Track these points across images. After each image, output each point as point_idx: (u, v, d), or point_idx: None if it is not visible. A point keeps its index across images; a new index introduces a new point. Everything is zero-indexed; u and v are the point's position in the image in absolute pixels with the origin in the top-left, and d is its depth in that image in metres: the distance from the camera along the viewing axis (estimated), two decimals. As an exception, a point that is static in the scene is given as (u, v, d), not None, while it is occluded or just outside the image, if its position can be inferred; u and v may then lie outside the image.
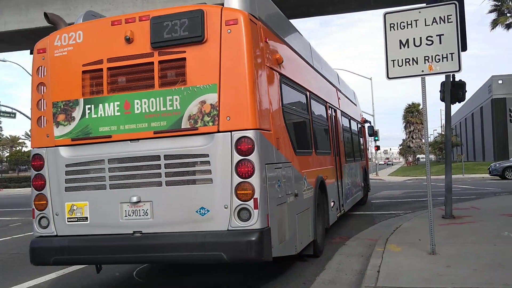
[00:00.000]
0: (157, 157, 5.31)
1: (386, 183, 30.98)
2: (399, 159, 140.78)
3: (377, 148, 42.10)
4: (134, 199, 5.32)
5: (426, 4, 7.08)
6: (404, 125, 77.99)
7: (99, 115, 5.53)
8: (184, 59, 5.28)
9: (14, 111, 42.47)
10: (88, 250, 5.52)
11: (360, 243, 8.26)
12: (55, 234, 5.65)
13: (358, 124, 15.53)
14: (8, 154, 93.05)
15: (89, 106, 5.57)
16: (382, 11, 6.86)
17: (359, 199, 14.00)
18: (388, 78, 6.67)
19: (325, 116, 9.63)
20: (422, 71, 6.49)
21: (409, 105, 76.30)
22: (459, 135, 71.60)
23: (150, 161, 5.34)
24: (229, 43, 5.17)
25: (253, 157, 5.05)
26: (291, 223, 6.05)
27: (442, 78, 9.93)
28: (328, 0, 17.76)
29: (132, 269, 7.27)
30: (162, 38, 5.29)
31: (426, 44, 6.49)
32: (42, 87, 5.84)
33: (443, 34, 6.44)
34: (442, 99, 10.01)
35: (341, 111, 11.79)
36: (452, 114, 11.01)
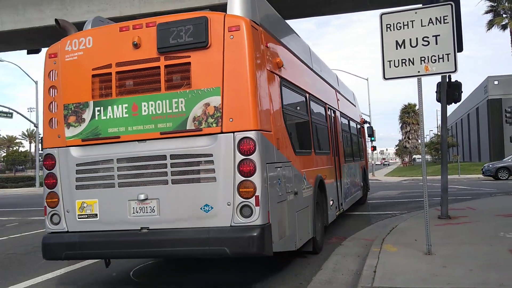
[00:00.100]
0: (164, 157, 5.57)
1: (383, 184, 31.04)
2: (396, 159, 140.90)
3: (374, 148, 42.16)
4: (142, 196, 5.59)
5: (422, 5, 7.11)
6: (400, 125, 78.15)
7: (108, 117, 5.81)
8: (189, 63, 5.53)
9: (11, 111, 42.50)
10: (98, 245, 5.80)
11: (356, 243, 8.28)
12: (66, 230, 5.94)
13: (357, 125, 15.65)
14: (5, 154, 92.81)
15: (98, 108, 5.85)
16: (379, 11, 6.88)
17: (359, 198, 14.13)
18: (385, 78, 6.69)
19: (324, 117, 9.80)
20: (418, 71, 6.51)
21: (405, 105, 76.46)
22: (455, 135, 71.71)
23: (157, 161, 5.61)
24: (231, 48, 5.42)
25: (255, 157, 5.31)
26: (291, 220, 6.29)
27: (438, 78, 9.98)
28: (324, 1, 17.77)
29: (129, 269, 7.27)
30: (168, 43, 5.55)
31: (422, 44, 6.52)
32: (53, 90, 6.12)
33: (439, 35, 6.46)
34: (438, 100, 10.05)
35: (340, 112, 11.93)
36: (448, 115, 11.05)
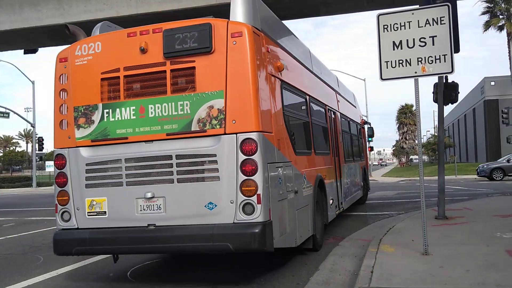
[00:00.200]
0: (169, 157, 5.84)
1: (380, 184, 31.08)
2: (393, 160, 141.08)
3: (371, 149, 42.13)
4: (149, 195, 5.86)
5: (419, 6, 7.13)
6: (397, 126, 78.28)
7: (116, 119, 6.08)
8: (193, 68, 5.80)
9: (8, 111, 42.36)
10: (107, 241, 6.05)
11: (353, 244, 8.29)
12: (77, 227, 6.19)
13: (358, 126, 15.79)
14: (1, 154, 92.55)
15: (107, 110, 6.12)
16: (376, 12, 6.90)
17: (359, 198, 14.31)
18: (382, 79, 6.71)
19: (324, 118, 9.99)
20: (415, 72, 6.53)
21: (402, 106, 76.57)
22: (452, 136, 71.92)
23: (163, 161, 5.88)
24: (234, 53, 5.69)
25: (256, 157, 5.56)
26: (291, 218, 6.54)
27: (435, 79, 10.00)
28: (321, 1, 17.76)
29: (126, 269, 7.26)
30: (174, 49, 5.82)
31: (419, 45, 6.53)
32: (63, 93, 6.38)
33: (436, 36, 6.48)
34: (435, 101, 10.07)
35: (340, 113, 12.11)
36: (445, 115, 11.07)
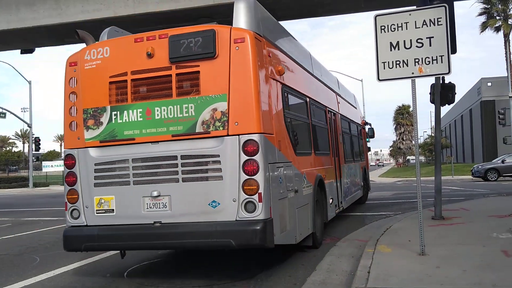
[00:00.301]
0: (175, 157, 6.10)
1: (377, 184, 31.09)
2: (390, 160, 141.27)
3: (368, 149, 42.25)
4: (155, 193, 6.11)
5: (417, 7, 7.15)
6: (394, 126, 78.53)
7: (124, 120, 6.33)
8: (198, 72, 6.05)
9: (4, 111, 42.27)
10: (115, 238, 6.35)
11: (350, 244, 8.30)
12: (85, 224, 6.46)
13: (358, 127, 15.92)
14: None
15: (115, 112, 6.38)
16: (373, 13, 6.91)
17: (359, 197, 14.45)
18: (379, 80, 6.72)
19: (324, 119, 10.19)
20: (412, 73, 6.54)
21: (399, 107, 76.82)
22: (449, 136, 72.00)
23: (169, 161, 6.14)
24: (237, 58, 5.93)
25: (258, 157, 5.80)
26: (291, 216, 6.78)
27: (432, 80, 10.02)
28: (318, 2, 17.77)
29: (123, 270, 7.26)
30: (179, 54, 6.07)
31: (416, 46, 6.54)
32: (73, 95, 6.65)
33: (433, 37, 6.49)
34: (432, 101, 10.09)
35: (340, 114, 12.27)
36: (441, 116, 11.09)
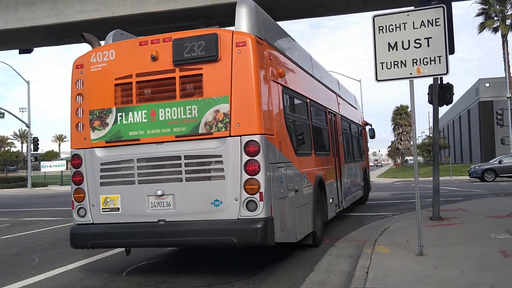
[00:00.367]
0: (178, 157, 6.26)
1: (375, 185, 31.10)
2: (388, 161, 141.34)
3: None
4: (159, 192, 6.29)
5: (415, 7, 7.16)
6: (392, 127, 78.50)
7: (129, 121, 6.49)
8: (201, 74, 6.20)
9: (2, 111, 42.18)
10: (120, 236, 6.51)
11: (349, 244, 8.32)
12: (92, 222, 6.63)
13: (359, 127, 15.99)
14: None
15: (120, 113, 6.55)
16: (371, 13, 6.92)
17: (359, 197, 14.52)
18: (377, 80, 6.74)
19: (325, 120, 10.31)
20: (410, 73, 6.56)
21: (397, 107, 76.81)
22: (447, 137, 72.12)
23: (172, 161, 6.30)
24: (239, 61, 6.08)
25: (259, 158, 5.95)
26: (291, 215, 6.93)
27: (430, 80, 10.03)
28: (317, 2, 17.77)
29: (121, 270, 7.26)
30: (183, 57, 6.23)
31: (415, 47, 6.56)
32: (79, 97, 6.81)
33: (431, 37, 6.50)
34: (430, 102, 10.10)
35: (340, 115, 12.37)
36: (440, 117, 11.11)
